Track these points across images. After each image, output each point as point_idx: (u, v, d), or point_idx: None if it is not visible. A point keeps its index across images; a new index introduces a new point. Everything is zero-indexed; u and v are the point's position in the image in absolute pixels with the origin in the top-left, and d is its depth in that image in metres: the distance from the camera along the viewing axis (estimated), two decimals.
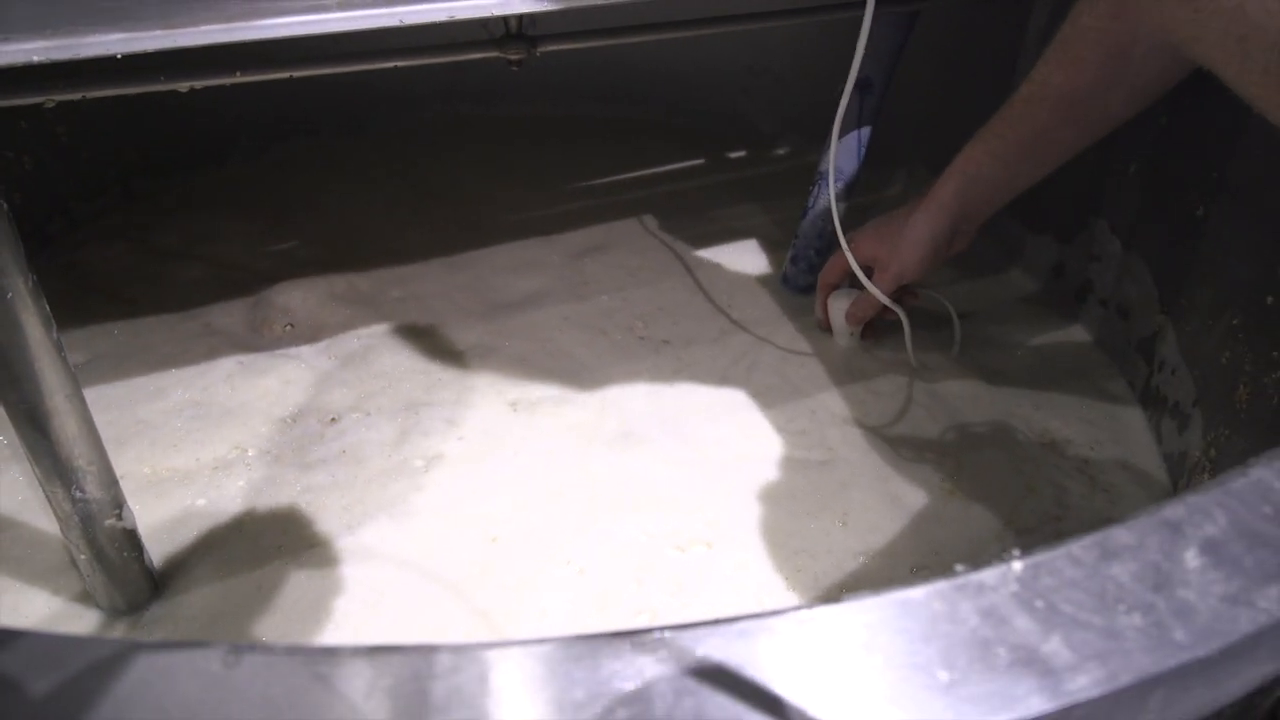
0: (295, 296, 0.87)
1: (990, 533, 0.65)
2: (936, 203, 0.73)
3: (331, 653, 0.21)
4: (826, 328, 0.85)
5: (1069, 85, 0.65)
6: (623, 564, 0.61)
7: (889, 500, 0.67)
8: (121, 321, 0.84)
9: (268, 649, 0.21)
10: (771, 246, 0.99)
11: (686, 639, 0.21)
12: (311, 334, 0.83)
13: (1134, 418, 0.78)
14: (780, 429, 0.74)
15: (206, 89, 0.63)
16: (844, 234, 0.77)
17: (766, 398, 0.77)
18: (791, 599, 0.59)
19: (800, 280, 0.91)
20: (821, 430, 0.74)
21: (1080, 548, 0.24)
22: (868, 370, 0.81)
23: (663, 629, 0.21)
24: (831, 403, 0.77)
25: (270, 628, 0.57)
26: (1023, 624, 0.22)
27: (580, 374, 0.78)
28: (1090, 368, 0.84)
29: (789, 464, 0.70)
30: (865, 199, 1.05)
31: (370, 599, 0.58)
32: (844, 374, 0.81)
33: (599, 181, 1.11)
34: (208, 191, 1.06)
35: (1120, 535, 0.24)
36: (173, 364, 0.78)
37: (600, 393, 0.76)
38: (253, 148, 1.13)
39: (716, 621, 0.22)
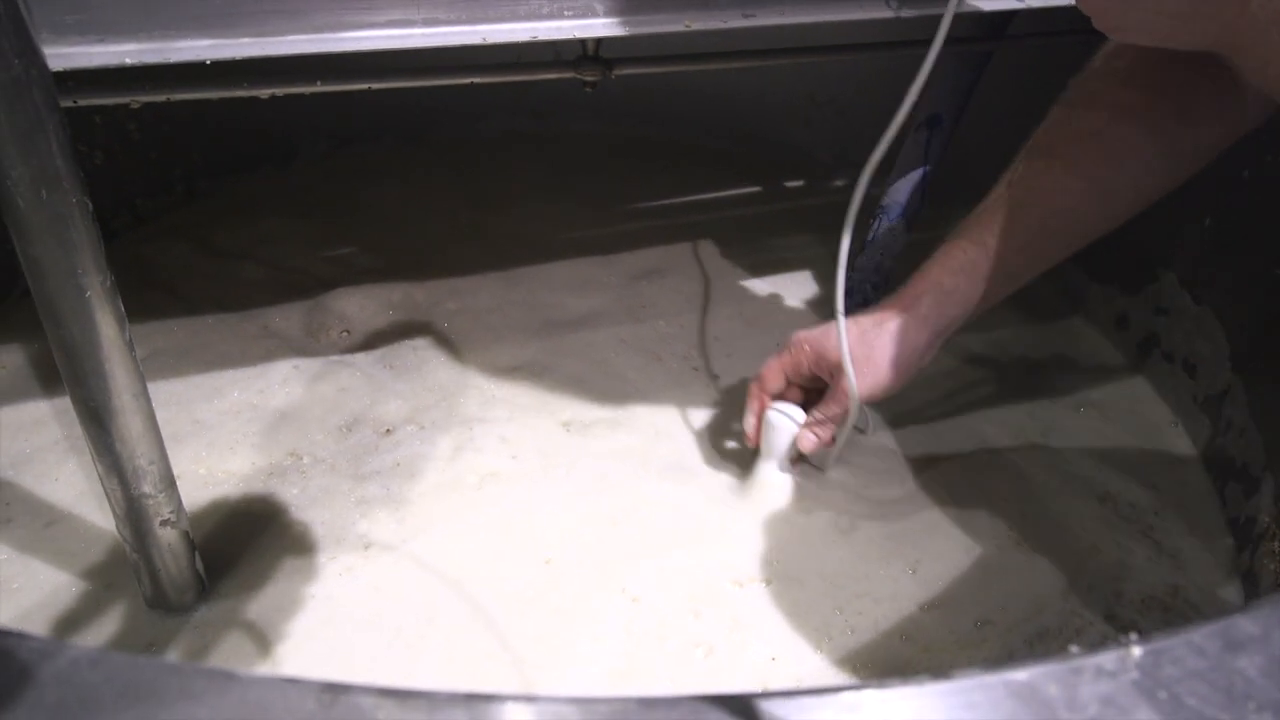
0: (353, 303, 0.87)
1: (1055, 590, 0.63)
2: (914, 318, 0.63)
3: (430, 699, 0.20)
4: (754, 445, 0.69)
5: (1057, 192, 0.61)
6: (679, 595, 0.60)
7: (960, 551, 0.66)
8: (181, 319, 0.84)
9: (364, 690, 0.20)
10: (826, 279, 0.98)
11: (792, 708, 0.20)
12: (367, 341, 0.83)
13: (1198, 478, 0.76)
14: (847, 465, 0.72)
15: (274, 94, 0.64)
16: (796, 337, 0.67)
17: None
18: (850, 644, 0.58)
19: (855, 313, 0.90)
20: (889, 473, 0.72)
21: (1202, 636, 0.23)
22: (932, 413, 0.80)
23: (767, 695, 0.20)
24: (900, 441, 0.76)
25: (323, 640, 0.57)
26: (1145, 717, 0.21)
27: (634, 398, 0.78)
28: (1153, 424, 0.82)
29: (857, 507, 0.69)
30: (926, 235, 1.03)
31: (425, 615, 0.58)
32: (915, 410, 0.79)
33: (656, 204, 1.11)
34: (269, 194, 1.07)
35: (1244, 625, 0.23)
36: (230, 364, 0.79)
37: (653, 419, 0.76)
38: (315, 153, 1.14)
39: (822, 691, 0.21)
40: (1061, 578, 0.65)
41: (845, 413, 0.65)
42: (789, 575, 0.62)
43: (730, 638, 0.58)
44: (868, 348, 0.64)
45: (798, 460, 0.70)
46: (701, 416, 0.77)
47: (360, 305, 0.87)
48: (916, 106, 0.85)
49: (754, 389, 0.69)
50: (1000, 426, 0.79)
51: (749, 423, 0.69)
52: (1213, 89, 0.58)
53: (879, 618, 0.60)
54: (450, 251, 0.97)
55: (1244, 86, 0.56)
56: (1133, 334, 0.90)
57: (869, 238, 0.88)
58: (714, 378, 0.82)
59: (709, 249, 1.02)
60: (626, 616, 0.58)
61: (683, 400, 0.78)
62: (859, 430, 0.74)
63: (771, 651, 0.57)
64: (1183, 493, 0.74)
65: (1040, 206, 0.62)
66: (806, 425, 0.66)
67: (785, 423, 0.66)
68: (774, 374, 0.68)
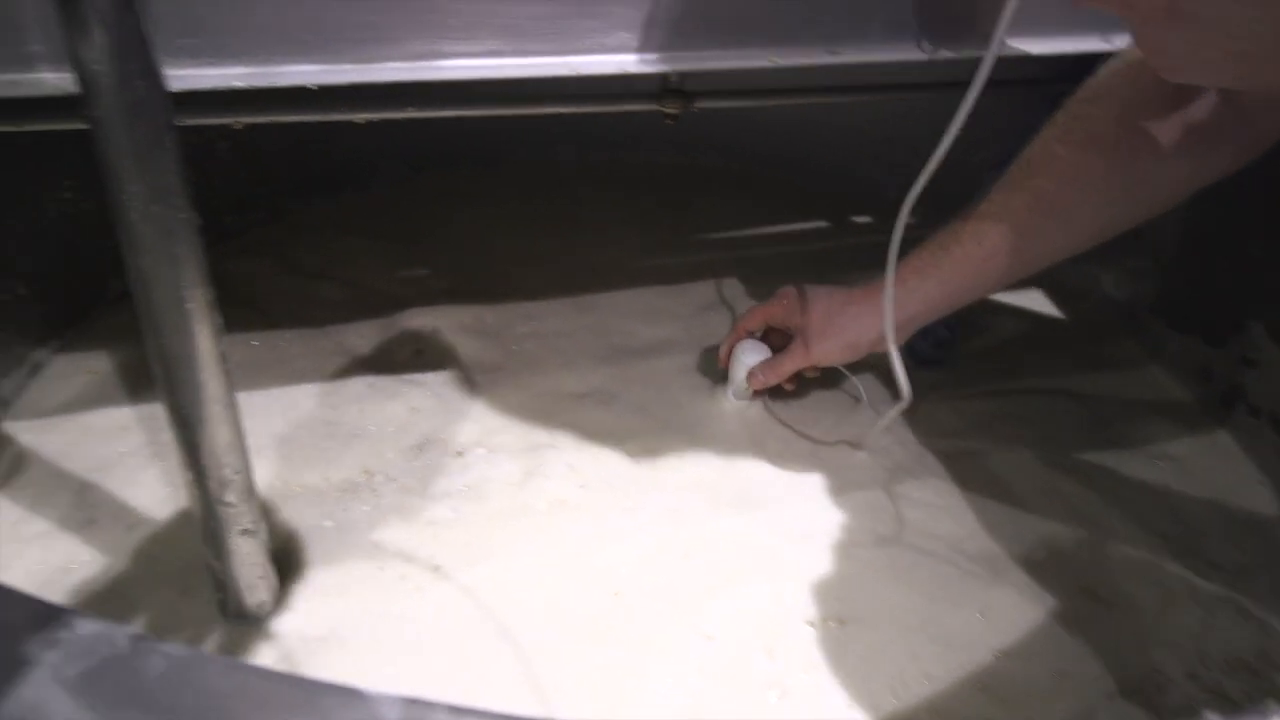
0: (426, 323, 0.88)
1: (1131, 644, 0.61)
2: (875, 308, 0.69)
3: None
4: (723, 367, 0.81)
5: (1023, 213, 0.63)
6: (751, 633, 0.59)
7: (1030, 598, 0.64)
8: (261, 333, 0.87)
9: (444, 709, 0.20)
10: None
11: None
12: (439, 362, 0.84)
13: None
14: (918, 508, 0.72)
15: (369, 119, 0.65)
16: (786, 290, 0.75)
17: (898, 473, 0.75)
18: (927, 693, 0.56)
19: (926, 353, 0.89)
20: (953, 512, 0.71)
21: None
22: (1003, 458, 0.78)
23: None
24: (970, 484, 0.74)
25: (393, 658, 0.57)
26: None
27: (702, 429, 0.78)
28: (1236, 481, 0.79)
29: (927, 546, 0.68)
30: None
31: (494, 640, 0.58)
32: (985, 455, 0.78)
33: (725, 235, 1.11)
34: (348, 215, 1.09)
35: None
36: (307, 379, 0.80)
37: (723, 452, 0.75)
38: (393, 176, 1.17)
39: None
40: (1138, 632, 0.63)
41: (804, 369, 0.75)
42: (861, 615, 0.61)
43: (804, 680, 0.57)
44: (828, 319, 0.73)
45: (760, 393, 0.79)
46: (770, 448, 0.76)
47: (433, 325, 0.89)
48: (992, 147, 0.85)
49: (736, 324, 0.79)
50: (1070, 473, 0.77)
51: (722, 349, 0.80)
52: (1192, 125, 0.58)
53: (953, 665, 0.58)
54: (522, 276, 0.99)
55: (1232, 126, 0.56)
56: (1216, 386, 0.87)
57: None
58: (783, 408, 0.81)
59: (777, 282, 1.01)
60: (698, 653, 0.58)
61: (751, 432, 0.78)
62: (853, 398, 0.83)
63: (847, 697, 0.56)
64: (1269, 554, 0.71)
65: (1006, 225, 0.64)
66: (758, 365, 0.76)
67: (744, 357, 0.77)
68: (755, 317, 0.78)
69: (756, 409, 0.81)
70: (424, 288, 0.96)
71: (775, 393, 0.81)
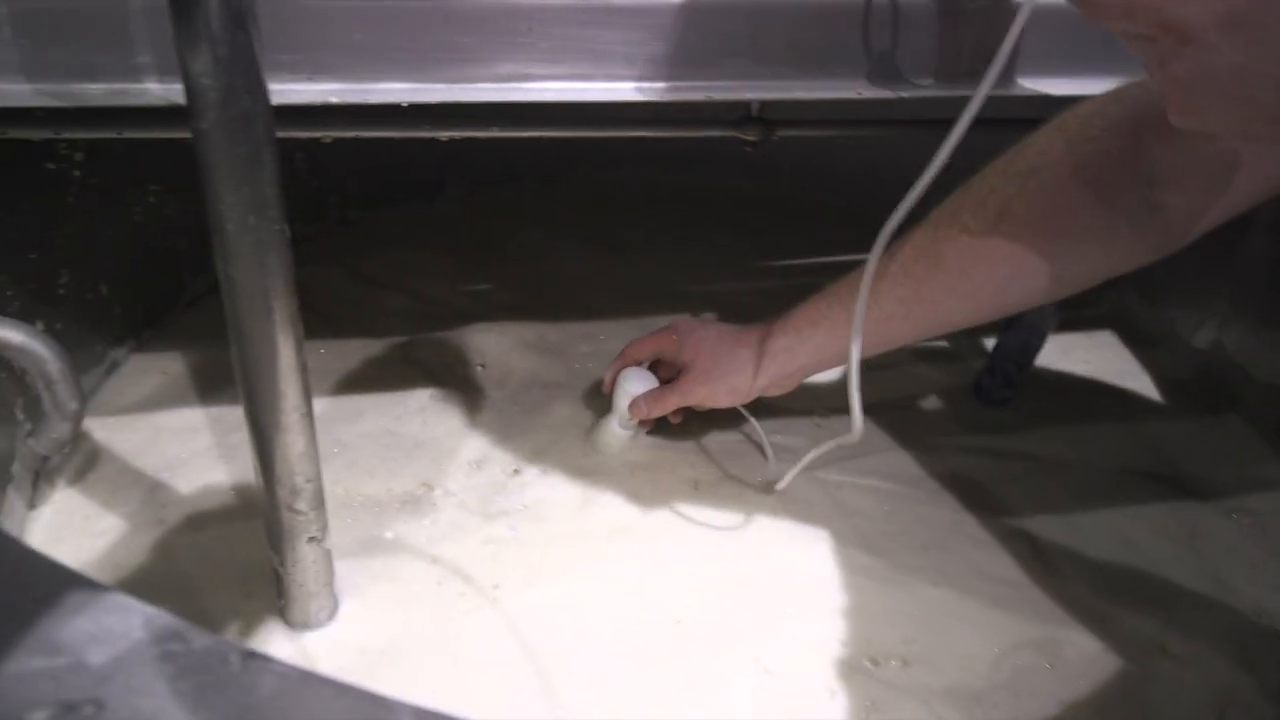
0: (489, 338, 0.89)
1: (1207, 705, 0.59)
2: (764, 353, 0.68)
3: None
4: (607, 392, 0.76)
5: (925, 284, 0.60)
6: (813, 670, 0.58)
7: (1099, 649, 0.62)
8: (327, 341, 0.88)
9: None
10: (962, 352, 0.95)
11: None
12: (500, 377, 0.85)
13: None
14: (985, 549, 0.70)
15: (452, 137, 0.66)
16: (678, 322, 0.74)
17: (964, 512, 0.73)
18: None
19: (996, 394, 0.87)
20: (1020, 555, 0.69)
21: None
22: (1072, 503, 0.76)
23: None
24: (1038, 528, 0.73)
25: (451, 675, 0.57)
26: None
27: (755, 459, 0.77)
28: None
29: (992, 589, 0.66)
30: (1068, 314, 1.00)
31: (553, 664, 0.58)
32: (1054, 499, 0.76)
33: (791, 263, 1.11)
34: (415, 227, 1.11)
35: None
36: (371, 389, 0.81)
37: (784, 480, 0.74)
38: (459, 191, 1.18)
39: None
40: (1215, 693, 0.60)
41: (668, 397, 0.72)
42: (924, 656, 0.60)
43: None
44: (714, 360, 0.70)
45: (648, 423, 0.77)
46: (833, 479, 0.75)
47: (496, 341, 0.89)
48: None
49: (624, 350, 0.76)
50: (1141, 521, 0.75)
51: (607, 376, 0.76)
52: (1119, 212, 0.56)
53: (1018, 713, 0.57)
54: (584, 295, 0.99)
55: (1149, 218, 0.55)
56: None
57: (1017, 315, 0.85)
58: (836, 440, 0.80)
59: None
60: (758, 689, 0.57)
61: (813, 461, 0.77)
62: (758, 447, 0.78)
63: None
64: None
65: (905, 291, 0.61)
66: (642, 396, 0.72)
67: (628, 385, 0.73)
68: (643, 347, 0.75)
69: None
70: (487, 302, 0.97)
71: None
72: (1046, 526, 0.73)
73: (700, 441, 0.79)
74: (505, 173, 1.20)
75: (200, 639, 0.20)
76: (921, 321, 0.62)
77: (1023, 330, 0.84)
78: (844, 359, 0.65)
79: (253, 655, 0.20)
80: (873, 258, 0.57)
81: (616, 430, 0.75)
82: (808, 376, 0.70)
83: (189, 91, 0.40)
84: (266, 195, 0.43)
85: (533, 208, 1.18)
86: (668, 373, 0.75)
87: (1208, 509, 0.78)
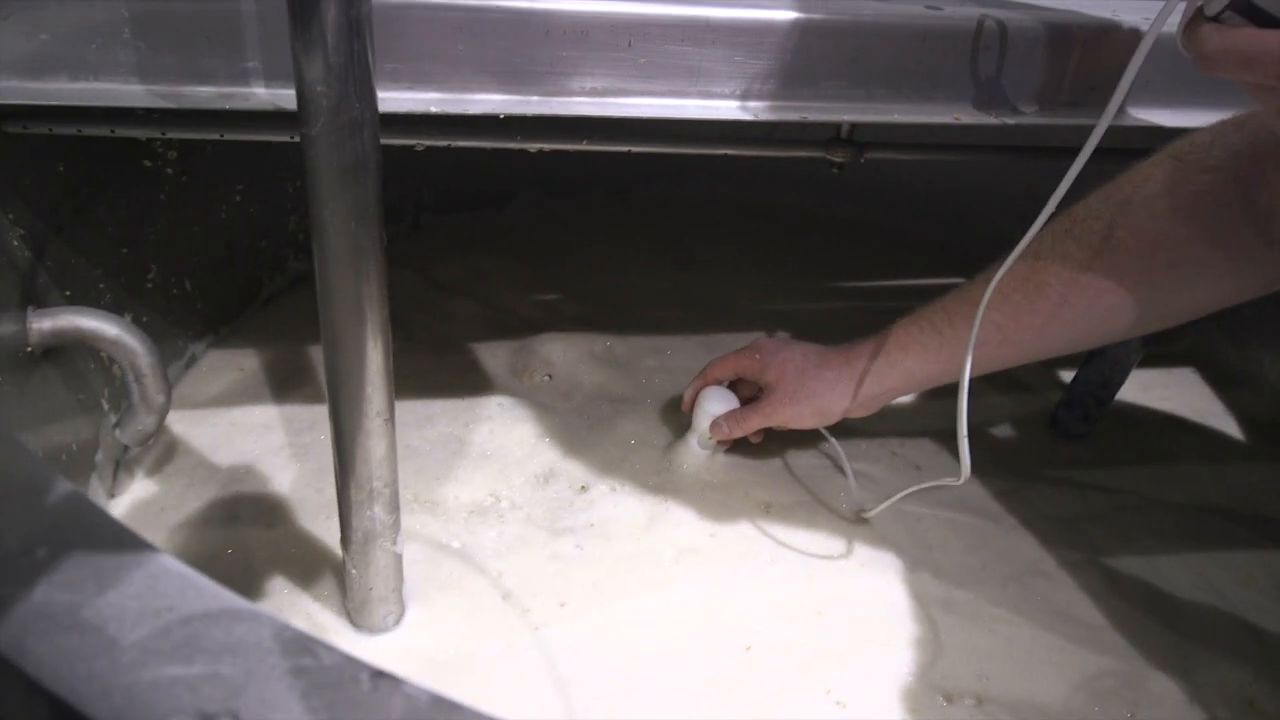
0: (556, 349, 0.89)
1: None
2: (852, 375, 0.67)
3: None
4: (686, 410, 0.76)
5: (1024, 313, 0.60)
6: (885, 704, 0.57)
7: (1184, 702, 0.60)
8: (398, 344, 0.87)
9: None
10: (1037, 384, 0.93)
11: None
12: (567, 388, 0.85)
13: None
14: (1064, 589, 0.68)
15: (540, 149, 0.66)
16: (760, 342, 0.73)
17: (1043, 548, 0.72)
18: None
19: (1074, 428, 0.85)
20: (1110, 602, 0.67)
21: None
22: (1153, 544, 0.74)
23: None
24: (1119, 568, 0.71)
25: (517, 691, 0.57)
26: None
27: (830, 483, 0.76)
28: None
29: (1071, 631, 0.64)
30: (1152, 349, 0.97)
31: (620, 686, 0.57)
32: (1135, 539, 0.74)
33: (861, 285, 1.09)
34: (487, 234, 1.12)
35: None
36: (440, 394, 0.82)
37: (855, 508, 0.73)
38: (530, 199, 1.19)
39: None
40: None
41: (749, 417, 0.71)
42: (1000, 697, 0.58)
43: None
44: (800, 382, 0.69)
45: (727, 443, 0.75)
46: (911, 509, 0.74)
47: (564, 351, 0.89)
48: None
49: (705, 369, 0.76)
50: (1227, 571, 0.72)
51: (687, 395, 0.76)
52: (1233, 243, 0.54)
53: None
54: (652, 309, 0.98)
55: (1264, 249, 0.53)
56: None
57: (1098, 348, 0.83)
58: (915, 468, 0.79)
59: None
60: (831, 710, 0.56)
61: (883, 487, 0.75)
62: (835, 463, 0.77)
63: None
64: None
65: (1003, 316, 0.61)
66: (723, 416, 0.72)
67: (709, 405, 0.73)
68: (724, 366, 0.74)
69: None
70: (556, 312, 0.97)
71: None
72: (1128, 567, 0.71)
73: (775, 462, 0.78)
74: (576, 183, 1.21)
75: (330, 655, 0.20)
76: (1018, 348, 0.62)
77: (1104, 364, 0.82)
78: (934, 383, 0.65)
79: (382, 675, 0.20)
80: (987, 293, 0.56)
81: (695, 449, 0.75)
82: (892, 399, 0.70)
83: (301, 98, 0.40)
84: (369, 203, 0.44)
85: (601, 219, 1.18)
86: (748, 392, 0.75)
87: None
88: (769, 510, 0.72)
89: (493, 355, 0.89)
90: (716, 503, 0.72)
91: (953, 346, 0.63)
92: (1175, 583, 0.70)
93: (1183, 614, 0.67)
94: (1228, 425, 0.91)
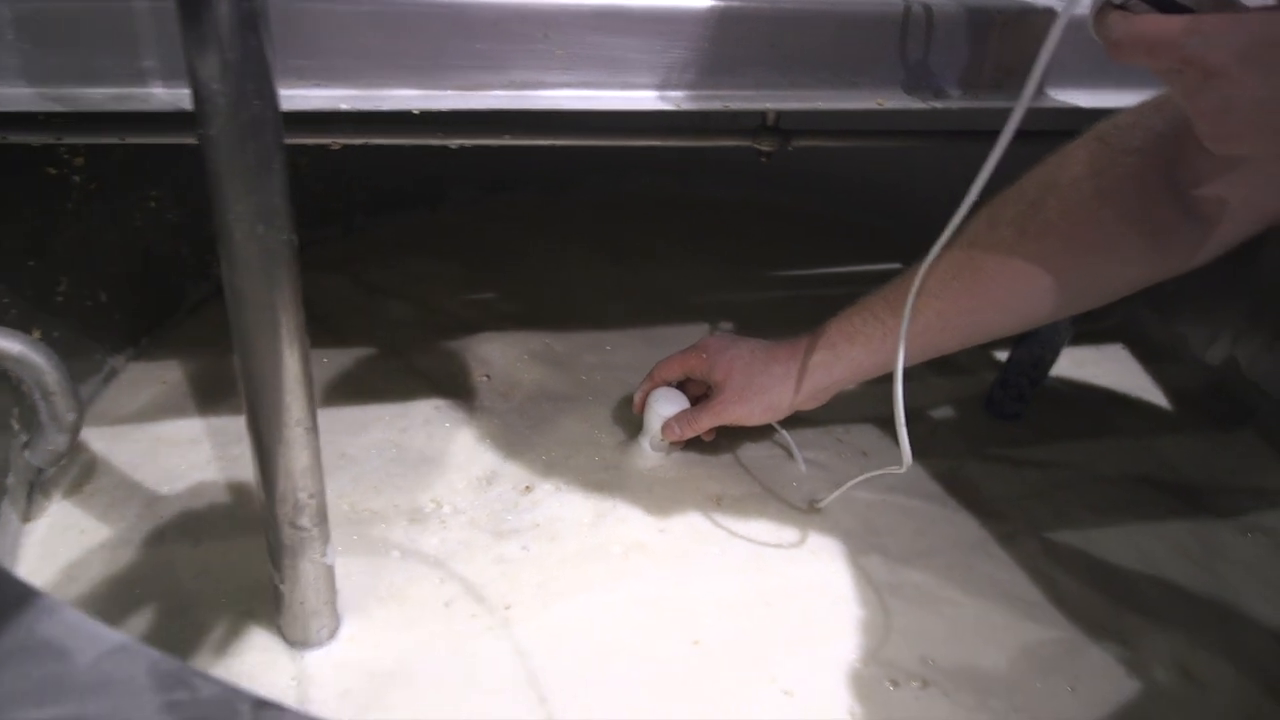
0: (494, 348, 0.88)
1: None
2: (799, 369, 0.67)
3: None
4: (638, 413, 0.76)
5: (962, 295, 0.60)
6: (833, 691, 0.57)
7: (1122, 673, 0.61)
8: (331, 350, 0.86)
9: None
10: (973, 365, 0.94)
11: None
12: (506, 389, 0.83)
13: None
14: (1006, 568, 0.69)
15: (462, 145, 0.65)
16: (707, 341, 0.72)
17: (985, 529, 0.72)
18: None
19: (1008, 407, 0.86)
20: (1049, 580, 0.68)
21: None
22: (1089, 518, 0.75)
23: None
24: (1058, 544, 0.71)
25: (463, 699, 0.55)
26: None
27: (782, 473, 0.75)
28: None
29: (1014, 610, 0.65)
30: (1092, 326, 0.99)
31: (569, 686, 0.56)
32: (1072, 515, 0.75)
33: (799, 274, 1.09)
34: (420, 235, 1.09)
35: None
36: (376, 399, 0.80)
37: (804, 497, 0.73)
38: (465, 198, 1.17)
39: None
40: (1237, 715, 0.59)
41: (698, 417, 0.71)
42: (945, 677, 0.59)
43: None
44: (748, 379, 0.69)
45: (678, 444, 0.75)
46: (855, 494, 0.73)
47: (501, 351, 0.88)
48: None
49: (653, 370, 0.75)
50: (1160, 541, 0.74)
51: (636, 397, 0.75)
52: (1157, 222, 0.55)
53: None
54: (590, 305, 0.97)
55: (1187, 227, 0.54)
56: None
57: (1031, 330, 0.84)
58: (862, 454, 0.79)
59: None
60: (778, 712, 0.55)
61: (832, 474, 0.75)
62: (788, 455, 0.77)
63: None
64: None
65: (943, 304, 0.61)
66: (674, 417, 0.72)
67: (659, 407, 0.72)
68: (672, 366, 0.73)
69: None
70: (493, 311, 0.95)
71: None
72: (1066, 540, 0.72)
73: (725, 455, 0.77)
74: (512, 180, 1.19)
75: (208, 687, 0.19)
76: (960, 332, 0.62)
77: (1036, 343, 0.83)
78: (880, 371, 0.66)
79: (265, 705, 0.19)
80: (916, 281, 0.56)
81: (648, 451, 0.75)
82: (838, 391, 0.70)
83: (197, 97, 0.39)
84: (275, 204, 0.42)
85: (538, 216, 1.17)
86: (697, 390, 0.75)
87: (1224, 526, 0.77)
88: (720, 503, 0.72)
89: (429, 358, 0.87)
90: (666, 497, 0.72)
91: (895, 335, 0.63)
92: (1111, 554, 0.71)
93: (1119, 584, 0.69)
94: (1157, 398, 0.93)
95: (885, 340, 0.64)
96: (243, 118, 0.39)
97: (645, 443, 0.75)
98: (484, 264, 1.04)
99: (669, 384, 0.75)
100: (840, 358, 0.66)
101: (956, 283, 0.60)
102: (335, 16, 0.49)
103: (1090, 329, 1.01)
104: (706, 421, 0.71)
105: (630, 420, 0.79)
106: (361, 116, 0.54)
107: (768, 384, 0.68)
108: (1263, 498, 0.80)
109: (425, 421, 0.78)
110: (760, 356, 0.70)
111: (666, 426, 0.72)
